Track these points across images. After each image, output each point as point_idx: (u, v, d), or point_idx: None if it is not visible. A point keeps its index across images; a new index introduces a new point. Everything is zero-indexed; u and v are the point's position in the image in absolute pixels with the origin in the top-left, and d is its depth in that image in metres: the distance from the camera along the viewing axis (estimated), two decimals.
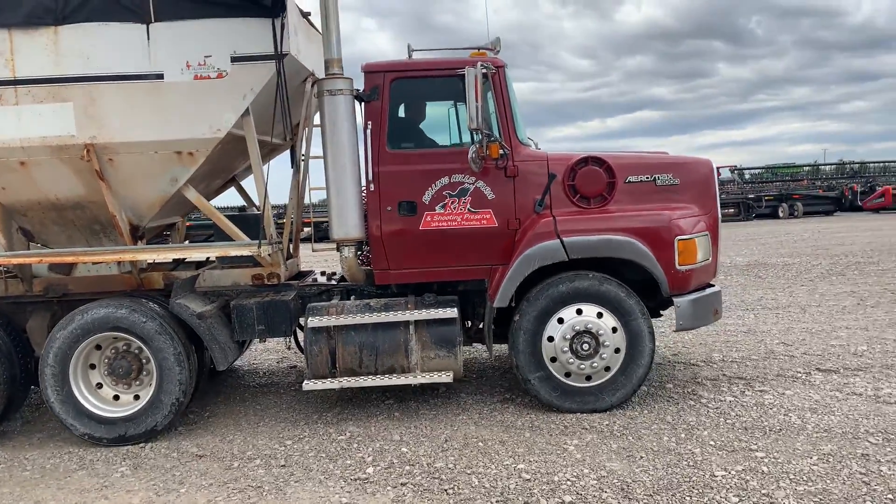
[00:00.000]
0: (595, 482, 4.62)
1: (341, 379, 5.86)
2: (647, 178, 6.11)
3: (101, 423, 5.75)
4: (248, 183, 7.69)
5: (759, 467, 4.71)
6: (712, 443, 5.17)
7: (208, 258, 6.87)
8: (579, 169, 6.02)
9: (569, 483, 4.63)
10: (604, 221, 5.91)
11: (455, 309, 5.87)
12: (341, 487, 4.76)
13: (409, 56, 6.45)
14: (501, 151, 5.80)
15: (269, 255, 6.05)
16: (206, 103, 5.62)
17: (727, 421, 5.60)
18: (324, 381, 5.86)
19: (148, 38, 5.54)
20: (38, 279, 6.32)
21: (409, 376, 5.87)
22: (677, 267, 5.84)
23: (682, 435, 5.35)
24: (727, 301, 10.78)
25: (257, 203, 6.28)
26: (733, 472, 4.65)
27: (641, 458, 4.97)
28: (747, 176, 40.42)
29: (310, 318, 5.85)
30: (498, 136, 5.88)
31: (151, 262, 6.69)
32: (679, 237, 5.84)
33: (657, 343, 8.06)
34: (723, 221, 22.55)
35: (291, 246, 7.15)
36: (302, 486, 4.82)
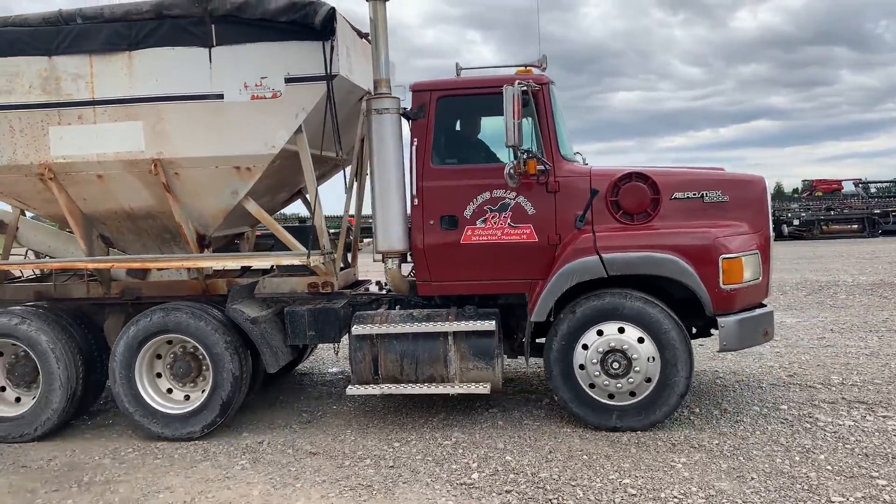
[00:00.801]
0: (703, 501, 4.57)
1: (383, 385, 6.08)
2: (695, 194, 6.03)
3: (191, 416, 6.17)
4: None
5: (880, 495, 4.53)
6: (829, 468, 4.99)
7: (272, 266, 7.26)
8: (623, 185, 6.01)
9: (676, 500, 4.59)
10: (645, 238, 5.88)
11: (494, 322, 5.97)
12: (447, 491, 4.89)
13: (458, 74, 6.62)
14: (541, 167, 5.87)
15: (321, 264, 6.35)
16: (262, 121, 5.98)
17: (846, 446, 5.39)
18: (367, 386, 6.10)
19: (210, 61, 5.95)
20: (116, 282, 6.88)
21: (447, 386, 6.02)
22: (721, 286, 5.73)
23: (797, 458, 5.19)
24: (848, 322, 10.33)
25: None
26: (851, 499, 4.49)
27: (752, 479, 4.86)
28: (873, 190, 37.92)
29: (354, 326, 6.10)
30: (540, 151, 5.96)
31: (220, 268, 7.14)
32: (724, 256, 5.73)
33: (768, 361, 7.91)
34: (845, 238, 21.62)
35: (350, 256, 7.47)
36: (410, 487, 4.98)
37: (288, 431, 6.33)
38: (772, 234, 6.17)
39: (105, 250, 6.98)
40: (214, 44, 5.94)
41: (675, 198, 6.02)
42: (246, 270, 7.46)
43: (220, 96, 5.98)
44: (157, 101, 6.03)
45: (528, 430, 6.02)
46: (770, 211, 6.19)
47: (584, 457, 5.37)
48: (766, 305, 6.19)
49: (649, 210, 6.00)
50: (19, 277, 7.32)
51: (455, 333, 6.00)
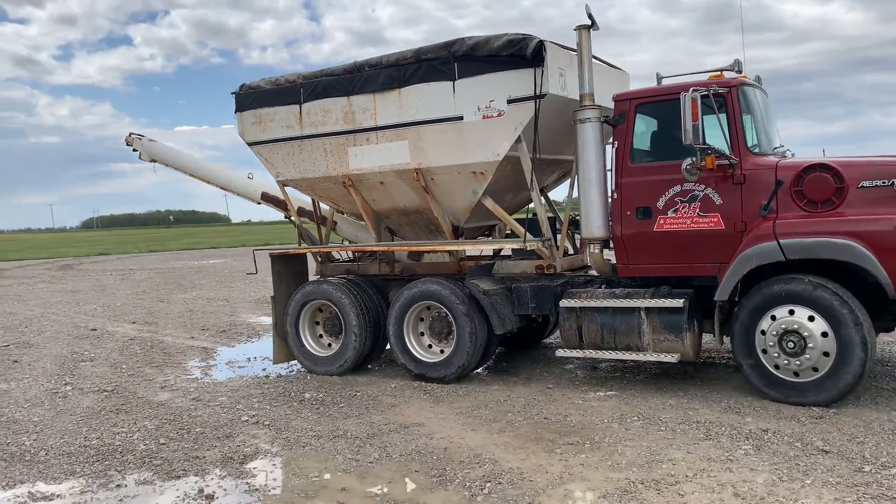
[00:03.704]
0: None
1: (587, 351, 7.28)
2: (885, 182, 6.22)
3: (439, 365, 8.00)
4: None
5: None
6: None
7: (513, 250, 8.82)
8: (807, 175, 6.43)
9: None
10: (825, 225, 6.26)
11: (682, 300, 6.80)
12: None
13: (658, 82, 7.50)
14: (723, 162, 6.56)
15: (544, 248, 7.74)
16: (490, 135, 7.55)
17: None
18: (573, 350, 7.36)
19: (453, 92, 7.68)
20: (398, 263, 9.01)
21: (640, 354, 7.02)
22: None
23: None
24: None
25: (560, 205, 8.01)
26: None
27: None
28: None
29: (562, 300, 7.38)
30: (727, 148, 6.63)
31: (477, 253, 8.90)
32: None
33: None
34: None
35: (579, 243, 8.75)
36: None
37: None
38: None
39: (391, 239, 9.17)
40: (457, 77, 7.65)
41: (863, 186, 6.27)
42: (496, 255, 9.12)
43: (461, 118, 7.67)
44: (418, 124, 7.93)
45: None
46: None
47: None
48: None
49: (833, 199, 6.33)
50: (338, 259, 9.85)
51: (647, 309, 6.96)
